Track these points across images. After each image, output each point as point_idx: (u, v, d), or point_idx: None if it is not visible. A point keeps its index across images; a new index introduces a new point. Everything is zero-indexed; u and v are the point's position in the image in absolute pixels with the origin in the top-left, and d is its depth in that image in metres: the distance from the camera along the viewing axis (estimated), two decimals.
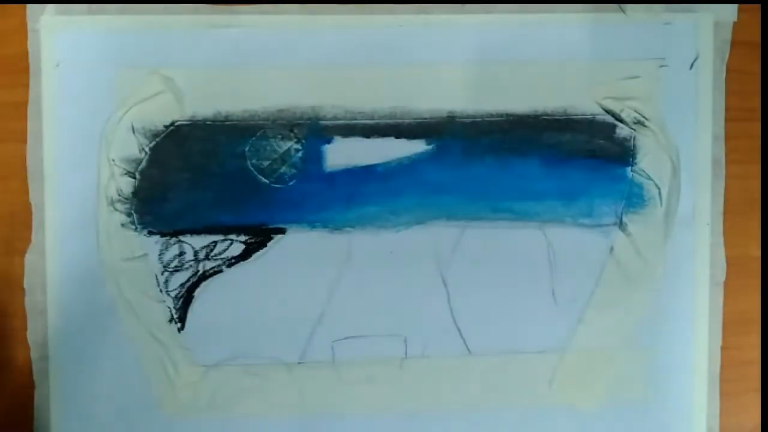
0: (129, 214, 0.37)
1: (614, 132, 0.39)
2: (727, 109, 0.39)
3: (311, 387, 0.38)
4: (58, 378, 0.37)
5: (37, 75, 0.36)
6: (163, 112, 0.37)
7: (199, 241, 0.37)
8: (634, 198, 0.39)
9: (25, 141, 0.36)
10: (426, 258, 0.38)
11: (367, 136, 0.38)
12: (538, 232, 0.39)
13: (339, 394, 0.38)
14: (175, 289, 0.37)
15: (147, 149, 0.37)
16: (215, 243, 0.37)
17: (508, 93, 0.38)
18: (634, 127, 0.39)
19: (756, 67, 0.39)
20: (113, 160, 0.37)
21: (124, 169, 0.37)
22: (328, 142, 0.38)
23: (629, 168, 0.39)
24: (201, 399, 0.38)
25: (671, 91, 0.39)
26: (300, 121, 0.37)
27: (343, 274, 0.38)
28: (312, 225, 0.38)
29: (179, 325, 0.37)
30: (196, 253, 0.37)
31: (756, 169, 0.40)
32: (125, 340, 0.37)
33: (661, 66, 0.39)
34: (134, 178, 0.37)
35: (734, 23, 0.39)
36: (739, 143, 0.39)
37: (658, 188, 0.39)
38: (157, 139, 0.37)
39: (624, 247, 0.39)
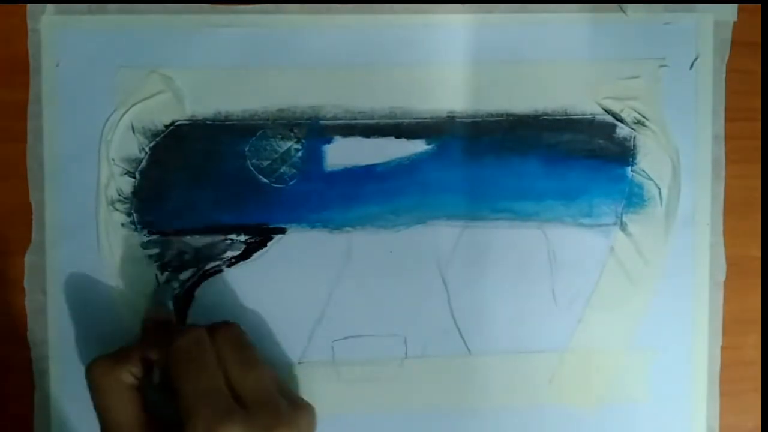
0: (129, 214, 0.37)
1: (614, 132, 0.39)
2: (727, 109, 0.39)
3: (311, 387, 0.38)
4: (58, 378, 0.37)
5: (37, 75, 0.36)
6: (163, 112, 0.37)
7: (199, 241, 0.37)
8: (634, 198, 0.39)
9: (25, 141, 0.36)
10: (426, 258, 0.38)
11: (367, 136, 0.38)
12: (538, 232, 0.39)
13: (339, 394, 0.38)
14: (175, 289, 0.37)
15: (147, 149, 0.37)
16: (215, 243, 0.37)
17: (508, 93, 0.38)
18: (634, 127, 0.39)
19: (756, 67, 0.39)
20: (113, 160, 0.37)
21: (124, 168, 0.37)
22: (328, 142, 0.38)
23: (629, 168, 0.39)
24: None
25: (671, 91, 0.39)
26: (300, 121, 0.37)
27: (343, 274, 0.38)
28: (312, 225, 0.38)
29: (179, 325, 0.37)
30: (196, 253, 0.37)
31: (756, 169, 0.40)
32: (125, 340, 0.37)
33: (661, 66, 0.39)
34: (134, 177, 0.37)
35: (734, 23, 0.39)
36: (739, 143, 0.39)
37: (658, 188, 0.39)
38: (157, 139, 0.37)
39: (624, 247, 0.39)
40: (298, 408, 0.33)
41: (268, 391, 0.32)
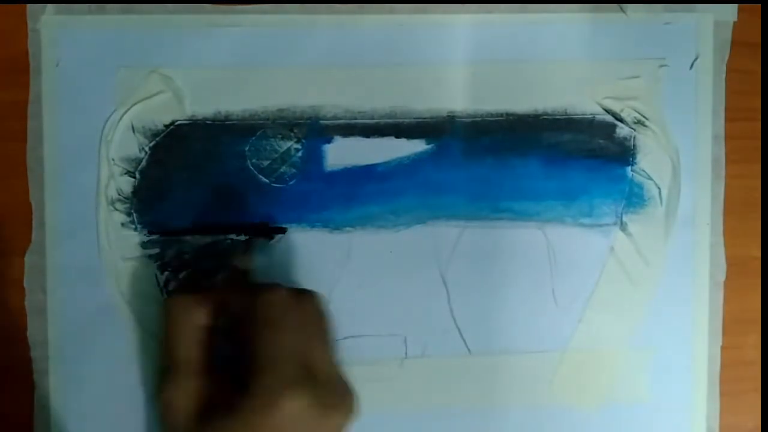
0: (129, 214, 0.37)
1: (614, 132, 0.39)
2: (727, 109, 0.39)
3: None
4: (58, 378, 0.37)
5: (37, 75, 0.36)
6: (163, 112, 0.37)
7: (199, 241, 0.37)
8: (634, 198, 0.39)
9: (25, 141, 0.36)
10: (426, 258, 0.38)
11: (367, 136, 0.38)
12: (538, 232, 0.39)
13: None
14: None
15: (147, 149, 0.37)
16: (215, 243, 0.37)
17: (508, 93, 0.38)
18: (634, 126, 0.39)
19: (756, 67, 0.39)
20: (113, 160, 0.37)
21: (124, 168, 0.37)
22: (328, 141, 0.38)
23: (629, 168, 0.39)
24: None
25: (671, 91, 0.39)
26: (300, 121, 0.37)
27: (343, 274, 0.38)
28: (312, 225, 0.38)
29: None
30: (196, 253, 0.37)
31: (756, 169, 0.40)
32: (125, 340, 0.37)
33: (661, 66, 0.39)
34: (134, 177, 0.37)
35: (734, 23, 0.39)
36: (739, 143, 0.39)
37: (658, 188, 0.39)
38: (157, 139, 0.37)
39: (624, 247, 0.39)
40: (353, 393, 0.33)
41: (339, 371, 0.32)
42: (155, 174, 0.37)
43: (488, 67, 0.38)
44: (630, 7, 0.38)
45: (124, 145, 0.37)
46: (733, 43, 0.39)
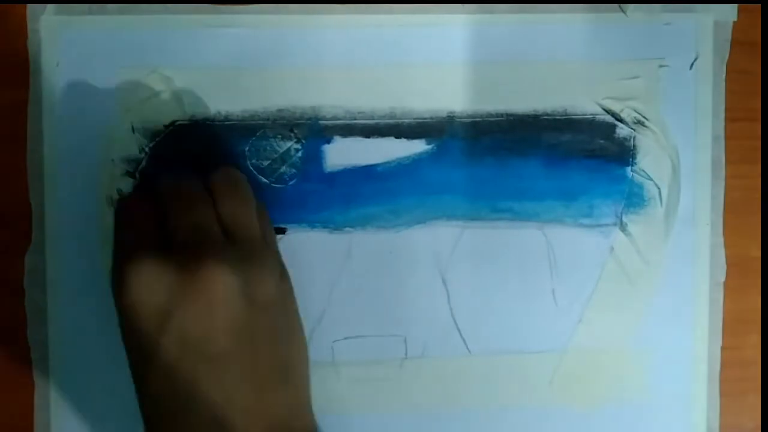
0: None
1: (614, 132, 0.39)
2: (727, 109, 0.39)
3: (311, 387, 0.38)
4: (58, 378, 0.37)
5: (37, 75, 0.36)
6: (163, 112, 0.37)
7: None
8: (634, 198, 0.39)
9: (25, 141, 0.36)
10: (426, 258, 0.38)
11: (367, 136, 0.38)
12: (538, 232, 0.39)
13: (339, 394, 0.38)
14: None
15: (147, 149, 0.37)
16: None
17: (508, 93, 0.38)
18: (634, 127, 0.39)
19: (756, 67, 0.39)
20: (113, 160, 0.37)
21: (124, 168, 0.37)
22: (328, 142, 0.38)
23: (629, 168, 0.39)
24: None
25: (671, 91, 0.39)
26: (300, 121, 0.37)
27: (343, 274, 0.38)
28: (312, 225, 0.38)
29: None
30: None
31: (756, 169, 0.40)
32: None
33: (661, 66, 0.39)
34: (134, 177, 0.37)
35: (734, 23, 0.39)
36: (739, 143, 0.39)
37: (658, 188, 0.39)
38: (157, 139, 0.37)
39: (624, 247, 0.39)
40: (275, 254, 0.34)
41: (253, 227, 0.33)
42: (155, 174, 0.37)
43: (488, 67, 0.38)
44: (630, 8, 0.38)
45: (124, 145, 0.37)
46: (733, 43, 0.39)
